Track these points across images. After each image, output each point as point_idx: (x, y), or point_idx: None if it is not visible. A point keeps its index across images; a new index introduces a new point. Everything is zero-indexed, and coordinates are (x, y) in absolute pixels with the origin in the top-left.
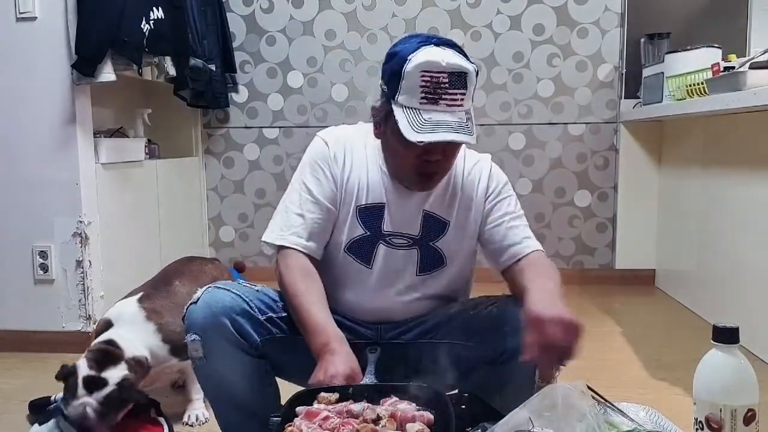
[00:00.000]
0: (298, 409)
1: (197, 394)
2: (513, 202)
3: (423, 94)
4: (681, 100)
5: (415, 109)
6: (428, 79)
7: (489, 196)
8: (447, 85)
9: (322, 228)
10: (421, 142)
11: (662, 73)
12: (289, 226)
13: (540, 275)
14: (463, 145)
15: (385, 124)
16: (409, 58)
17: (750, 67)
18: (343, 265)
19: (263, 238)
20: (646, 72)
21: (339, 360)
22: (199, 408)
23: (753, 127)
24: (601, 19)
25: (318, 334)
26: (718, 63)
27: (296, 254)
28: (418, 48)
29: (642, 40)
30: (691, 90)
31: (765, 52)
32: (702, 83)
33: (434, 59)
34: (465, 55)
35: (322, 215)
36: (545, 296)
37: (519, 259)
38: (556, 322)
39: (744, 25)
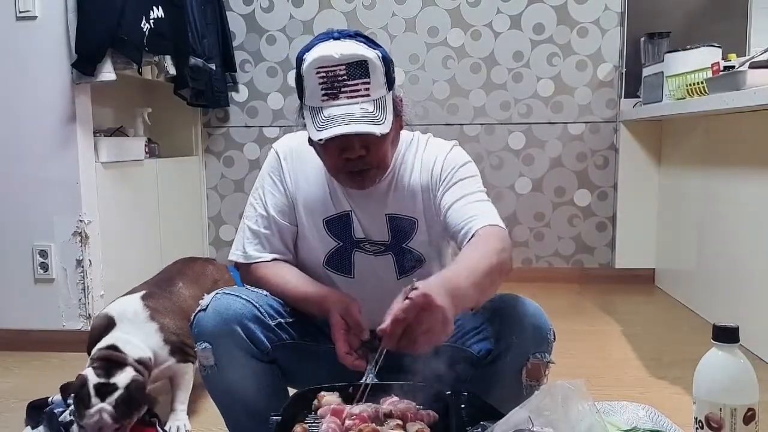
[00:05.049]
0: (322, 410)
1: (182, 404)
2: (467, 183)
3: (323, 91)
4: (681, 99)
5: (317, 108)
6: (324, 74)
7: (443, 182)
8: (345, 77)
9: (280, 240)
10: (321, 140)
11: (662, 72)
12: (248, 243)
13: (467, 249)
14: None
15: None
16: (304, 57)
17: (750, 67)
18: (327, 281)
19: (229, 257)
20: (646, 71)
21: (334, 318)
22: (182, 419)
23: (753, 126)
24: (601, 19)
25: (310, 304)
26: (718, 62)
27: (258, 265)
28: (314, 46)
29: (642, 39)
30: (691, 89)
31: (765, 52)
32: (702, 82)
33: (327, 53)
34: (373, 44)
35: (275, 230)
36: (445, 275)
37: (470, 239)
38: (421, 299)
39: (744, 24)
